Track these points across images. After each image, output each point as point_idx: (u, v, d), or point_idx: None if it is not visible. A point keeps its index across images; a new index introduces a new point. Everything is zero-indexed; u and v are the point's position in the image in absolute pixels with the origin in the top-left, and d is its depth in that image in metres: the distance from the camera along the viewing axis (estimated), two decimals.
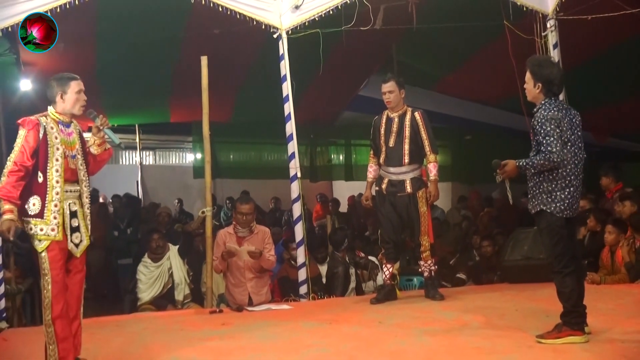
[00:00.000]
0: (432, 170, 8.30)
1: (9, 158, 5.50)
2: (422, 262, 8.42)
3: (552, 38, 9.69)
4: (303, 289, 9.18)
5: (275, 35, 9.37)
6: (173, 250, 9.83)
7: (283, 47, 9.34)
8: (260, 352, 6.12)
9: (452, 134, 17.44)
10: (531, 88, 6.01)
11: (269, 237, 9.00)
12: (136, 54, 11.34)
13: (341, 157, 18.99)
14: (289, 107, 9.35)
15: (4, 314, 8.62)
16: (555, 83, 5.97)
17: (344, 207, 17.56)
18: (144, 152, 20.42)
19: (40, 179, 5.52)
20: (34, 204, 5.52)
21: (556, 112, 5.79)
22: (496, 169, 5.98)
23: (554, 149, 5.68)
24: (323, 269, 10.10)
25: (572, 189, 5.81)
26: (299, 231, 9.30)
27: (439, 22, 10.39)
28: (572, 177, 5.82)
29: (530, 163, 5.81)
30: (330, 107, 15.86)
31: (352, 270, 10.13)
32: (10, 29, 8.33)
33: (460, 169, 18.20)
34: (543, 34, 9.70)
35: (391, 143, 8.34)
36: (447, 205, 16.72)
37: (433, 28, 10.51)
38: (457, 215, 15.40)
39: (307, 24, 9.31)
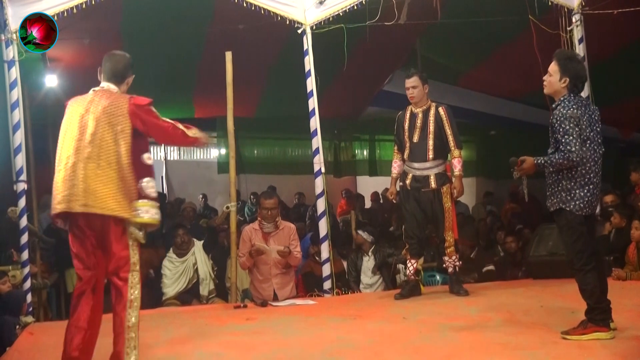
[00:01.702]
0: (457, 165, 8.26)
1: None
2: (446, 258, 8.40)
3: (578, 33, 9.62)
4: (327, 284, 9.19)
5: (299, 31, 9.38)
6: (198, 245, 9.89)
7: (307, 43, 9.35)
8: (285, 347, 6.13)
9: (476, 129, 17.39)
10: (556, 81, 5.91)
11: (294, 233, 9.01)
12: (161, 49, 11.38)
13: (365, 153, 18.97)
14: (313, 103, 9.36)
15: (30, 309, 8.69)
16: (582, 80, 5.93)
17: (368, 203, 17.53)
18: (169, 148, 20.46)
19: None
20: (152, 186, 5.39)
21: (575, 110, 5.72)
22: (513, 167, 5.95)
23: (573, 148, 5.62)
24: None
25: (591, 186, 5.76)
26: (323, 226, 9.31)
27: (464, 17, 10.36)
28: (592, 175, 5.77)
29: (549, 161, 5.75)
30: (354, 102, 15.85)
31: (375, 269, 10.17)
32: None
33: (484, 165, 18.14)
34: (568, 28, 9.65)
35: (415, 138, 8.32)
36: (471, 201, 16.68)
37: (457, 23, 10.49)
38: (482, 211, 15.37)
39: (331, 19, 9.32)
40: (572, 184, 5.75)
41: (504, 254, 11.18)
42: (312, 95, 9.36)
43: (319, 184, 9.38)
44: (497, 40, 11.75)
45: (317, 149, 9.42)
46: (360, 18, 9.47)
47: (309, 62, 9.36)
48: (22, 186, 8.69)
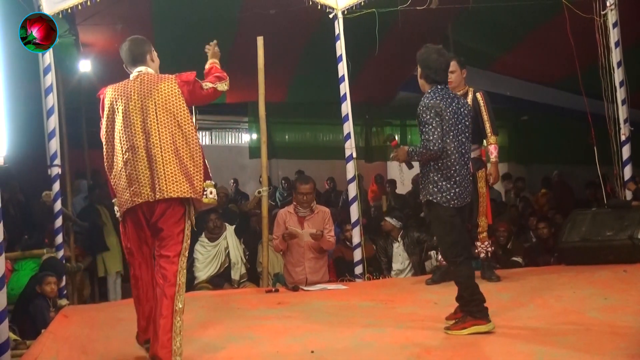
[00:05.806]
0: (493, 152, 8.18)
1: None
2: (478, 243, 8.35)
3: (612, 17, 9.48)
4: (358, 269, 9.20)
5: (331, 16, 9.38)
6: (230, 230, 9.92)
7: (339, 27, 9.35)
8: (316, 331, 6.15)
9: (508, 114, 17.26)
10: (418, 77, 6.02)
11: (329, 217, 9.01)
12: (192, 34, 11.39)
13: (397, 138, 18.90)
14: (344, 88, 9.36)
15: (64, 292, 8.79)
16: (432, 68, 5.90)
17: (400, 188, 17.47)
18: (201, 133, 20.55)
19: None
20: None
21: (438, 101, 5.73)
22: (389, 142, 6.21)
23: (431, 137, 5.66)
24: None
25: (458, 178, 5.77)
26: (355, 211, 9.31)
27: (496, 1, 10.28)
28: (457, 167, 5.77)
29: (413, 152, 5.83)
30: (386, 87, 15.80)
31: (405, 254, 10.13)
32: (69, 11, 8.51)
33: (516, 150, 18.04)
34: (602, 12, 9.52)
35: None
36: (502, 186, 16.58)
37: (489, 7, 10.41)
38: (513, 196, 15.27)
39: (362, 3, 9.30)
40: (439, 176, 5.77)
41: (536, 239, 11.12)
42: (344, 80, 9.35)
43: (351, 169, 9.38)
44: (530, 25, 11.65)
45: (349, 134, 9.42)
46: (391, 3, 9.44)
47: (340, 47, 9.35)
48: (56, 170, 8.78)
